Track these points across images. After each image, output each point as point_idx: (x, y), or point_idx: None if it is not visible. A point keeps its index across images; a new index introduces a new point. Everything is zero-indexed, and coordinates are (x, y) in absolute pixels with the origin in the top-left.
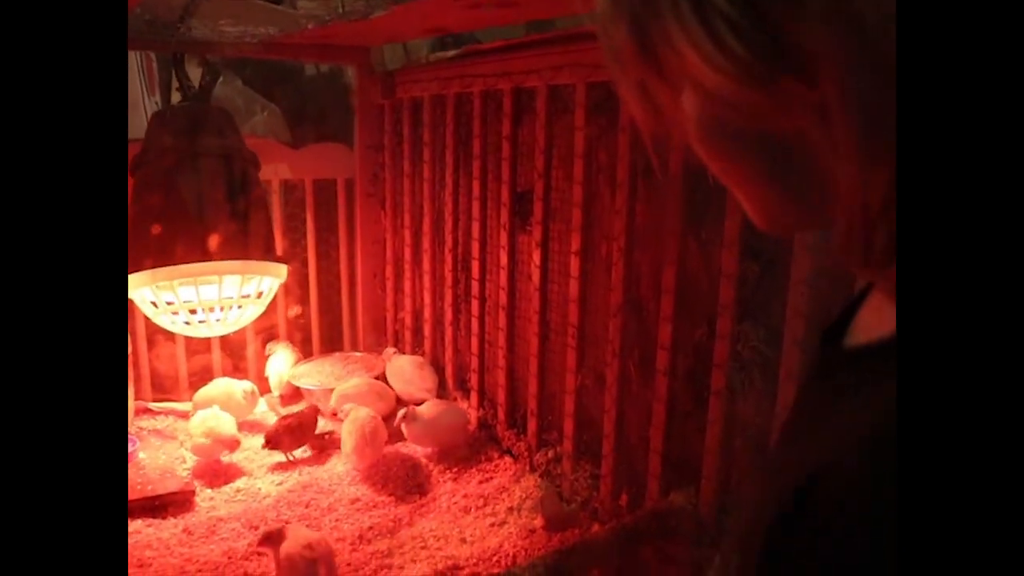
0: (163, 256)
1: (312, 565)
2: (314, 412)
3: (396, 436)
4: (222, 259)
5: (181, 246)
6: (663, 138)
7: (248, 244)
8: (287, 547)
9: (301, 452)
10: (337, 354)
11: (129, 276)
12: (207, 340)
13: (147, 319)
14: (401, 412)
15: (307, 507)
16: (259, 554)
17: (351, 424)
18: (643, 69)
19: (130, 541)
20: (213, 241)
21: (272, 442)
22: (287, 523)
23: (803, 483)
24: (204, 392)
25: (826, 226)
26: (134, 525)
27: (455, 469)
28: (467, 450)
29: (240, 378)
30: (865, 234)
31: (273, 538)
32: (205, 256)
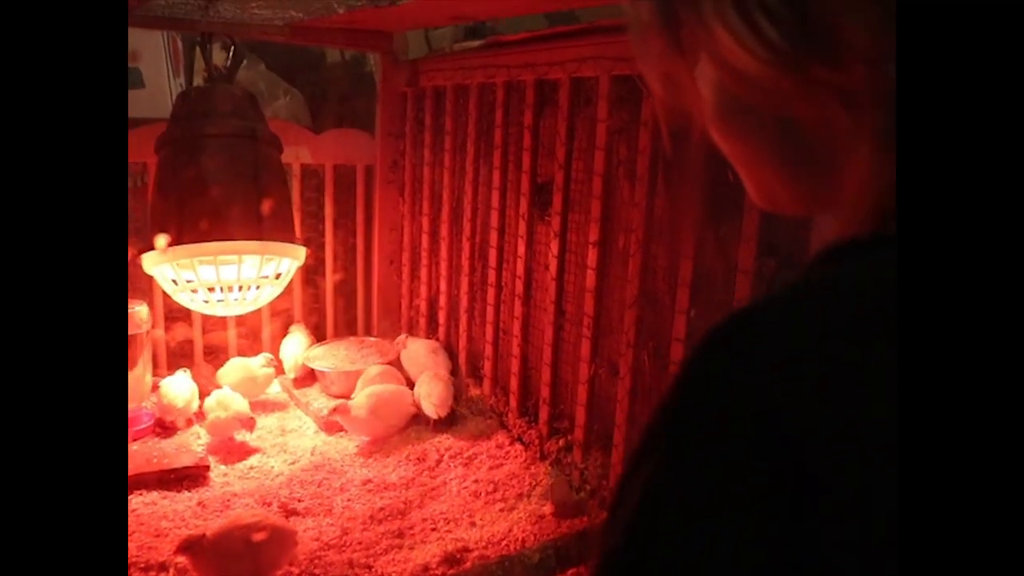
0: (184, 234)
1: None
2: None
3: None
4: (242, 239)
5: (202, 225)
6: (680, 117)
7: (268, 225)
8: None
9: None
10: (351, 338)
11: (150, 253)
12: (223, 319)
13: (165, 297)
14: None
15: (319, 486)
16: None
17: (368, 397)
18: (665, 45)
19: (146, 512)
20: (234, 221)
21: None
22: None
23: None
24: (221, 372)
25: (824, 210)
26: (150, 497)
27: (466, 455)
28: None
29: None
30: (871, 216)
31: (192, 546)
32: (225, 235)
